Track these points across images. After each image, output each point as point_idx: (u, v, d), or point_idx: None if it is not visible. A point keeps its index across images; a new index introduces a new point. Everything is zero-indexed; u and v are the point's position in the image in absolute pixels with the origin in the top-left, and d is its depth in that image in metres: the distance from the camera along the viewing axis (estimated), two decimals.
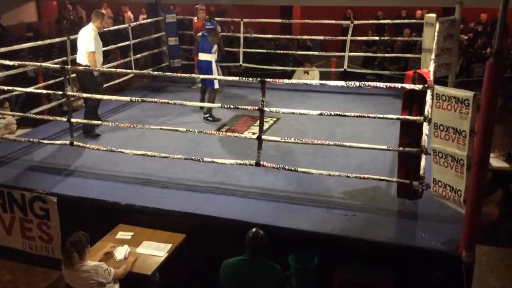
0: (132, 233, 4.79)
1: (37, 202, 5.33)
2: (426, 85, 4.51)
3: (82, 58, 6.77)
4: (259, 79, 5.11)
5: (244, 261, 3.88)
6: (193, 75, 7.43)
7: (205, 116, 7.48)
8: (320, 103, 8.11)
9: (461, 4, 7.55)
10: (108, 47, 9.78)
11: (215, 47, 7.52)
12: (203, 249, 4.78)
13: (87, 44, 6.65)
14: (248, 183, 5.47)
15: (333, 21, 10.55)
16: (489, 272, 5.34)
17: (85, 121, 6.42)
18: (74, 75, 8.36)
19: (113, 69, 8.37)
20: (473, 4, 10.63)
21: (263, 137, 5.25)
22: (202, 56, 7.53)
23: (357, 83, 5.07)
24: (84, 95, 6.38)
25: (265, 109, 5.14)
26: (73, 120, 5.84)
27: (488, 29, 12.84)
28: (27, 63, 7.47)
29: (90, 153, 5.98)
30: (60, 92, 6.04)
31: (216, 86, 7.55)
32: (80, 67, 6.59)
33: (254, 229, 3.95)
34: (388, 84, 5.06)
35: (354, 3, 14.39)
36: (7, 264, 5.56)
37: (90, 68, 6.51)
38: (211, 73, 7.42)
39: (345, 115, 5.21)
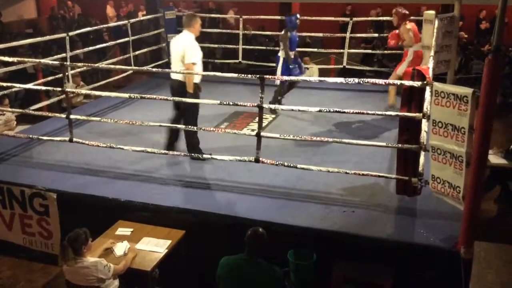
0: (131, 229, 4.80)
1: (37, 198, 5.34)
2: (425, 82, 4.52)
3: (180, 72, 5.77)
4: (258, 75, 5.12)
5: (243, 260, 3.87)
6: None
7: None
8: (319, 100, 8.12)
9: (460, 1, 7.55)
10: (108, 44, 9.84)
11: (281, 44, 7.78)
12: (202, 245, 4.79)
13: (188, 54, 5.65)
14: (247, 180, 5.48)
15: (332, 18, 10.55)
16: (488, 268, 5.32)
17: (84, 117, 6.41)
18: (73, 71, 8.39)
19: (112, 66, 8.38)
20: (472, 1, 10.63)
21: (262, 133, 5.25)
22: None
23: (356, 80, 5.08)
24: (83, 91, 6.37)
25: (264, 105, 5.15)
26: (72, 116, 5.84)
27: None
28: (26, 59, 7.47)
29: (89, 150, 5.98)
30: (59, 89, 6.03)
31: (277, 82, 7.70)
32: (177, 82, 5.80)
33: (254, 228, 3.93)
34: (387, 81, 5.07)
35: (353, 0, 14.40)
36: (7, 260, 5.57)
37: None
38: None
39: (344, 112, 5.21)
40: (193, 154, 5.76)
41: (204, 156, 5.70)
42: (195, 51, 5.71)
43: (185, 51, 5.65)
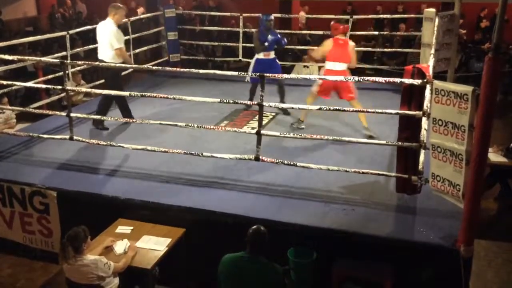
0: (131, 228, 4.80)
1: (37, 196, 5.34)
2: (425, 80, 4.52)
3: (107, 55, 6.71)
4: (258, 73, 5.11)
5: (244, 258, 3.87)
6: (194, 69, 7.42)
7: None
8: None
9: None
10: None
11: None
12: (202, 243, 4.80)
13: (111, 41, 6.60)
14: (247, 178, 5.48)
15: (333, 16, 10.51)
16: (487, 267, 5.35)
17: (84, 115, 6.42)
18: (73, 69, 8.40)
19: (112, 64, 8.37)
20: None
21: (262, 131, 5.25)
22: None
23: (356, 78, 5.08)
24: (84, 89, 6.38)
25: (264, 103, 5.15)
26: (72, 114, 5.84)
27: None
28: (26, 57, 7.47)
29: (89, 148, 5.99)
30: (60, 87, 6.03)
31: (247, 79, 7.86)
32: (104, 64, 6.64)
33: (255, 226, 3.93)
34: (387, 79, 5.06)
35: None
36: (7, 258, 5.57)
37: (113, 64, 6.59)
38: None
39: (344, 110, 5.21)
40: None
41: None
42: (118, 36, 6.64)
43: (111, 37, 6.56)
